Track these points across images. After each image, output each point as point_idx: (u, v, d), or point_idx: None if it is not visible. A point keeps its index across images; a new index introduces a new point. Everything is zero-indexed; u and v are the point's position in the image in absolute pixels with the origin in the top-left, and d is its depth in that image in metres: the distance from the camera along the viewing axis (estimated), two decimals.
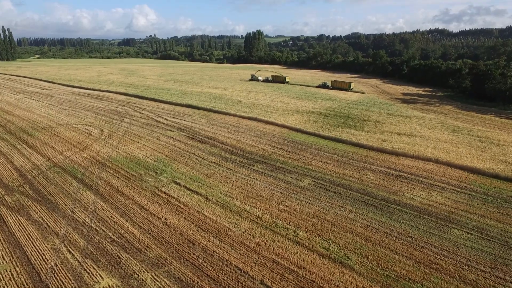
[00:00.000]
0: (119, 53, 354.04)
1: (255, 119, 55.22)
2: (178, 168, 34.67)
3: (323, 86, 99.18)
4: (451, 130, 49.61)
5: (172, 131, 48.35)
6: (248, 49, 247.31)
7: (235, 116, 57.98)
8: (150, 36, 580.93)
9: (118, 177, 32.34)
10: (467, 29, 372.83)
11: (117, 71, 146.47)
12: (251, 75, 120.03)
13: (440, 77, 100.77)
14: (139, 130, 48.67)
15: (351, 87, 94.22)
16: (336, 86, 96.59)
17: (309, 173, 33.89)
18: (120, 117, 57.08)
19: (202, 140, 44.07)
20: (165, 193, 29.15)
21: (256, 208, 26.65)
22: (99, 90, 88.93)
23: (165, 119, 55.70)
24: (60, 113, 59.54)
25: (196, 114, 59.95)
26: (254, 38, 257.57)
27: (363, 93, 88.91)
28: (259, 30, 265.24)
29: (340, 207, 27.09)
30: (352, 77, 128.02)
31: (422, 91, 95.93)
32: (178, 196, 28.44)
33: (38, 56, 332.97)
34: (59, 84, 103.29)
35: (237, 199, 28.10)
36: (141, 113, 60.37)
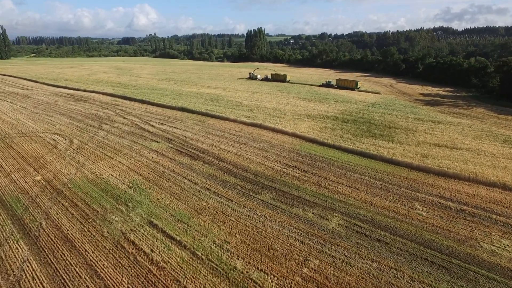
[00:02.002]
0: (117, 52, 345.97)
1: (260, 126, 46.04)
2: (158, 199, 25.54)
3: (327, 85, 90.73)
4: (502, 141, 40.33)
5: (157, 142, 39.18)
6: (249, 47, 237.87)
7: (235, 122, 48.81)
8: (150, 35, 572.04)
9: (72, 215, 23.22)
10: (471, 27, 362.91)
11: (110, 70, 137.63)
12: (249, 73, 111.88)
13: (462, 76, 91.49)
14: (117, 141, 39.51)
15: (358, 86, 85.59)
16: (342, 85, 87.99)
17: (337, 207, 24.73)
18: (99, 123, 47.95)
19: (194, 155, 34.90)
20: (133, 243, 20.01)
21: (267, 274, 17.51)
22: (84, 91, 79.87)
23: (152, 125, 46.54)
24: (29, 118, 50.45)
25: (190, 119, 50.77)
26: (255, 36, 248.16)
27: (378, 93, 79.64)
28: (261, 27, 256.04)
29: (394, 271, 17.93)
30: (361, 75, 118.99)
31: (442, 91, 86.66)
32: (151, 251, 19.29)
33: (34, 54, 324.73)
34: (43, 83, 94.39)
35: (238, 256, 18.95)
36: (124, 118, 51.22)
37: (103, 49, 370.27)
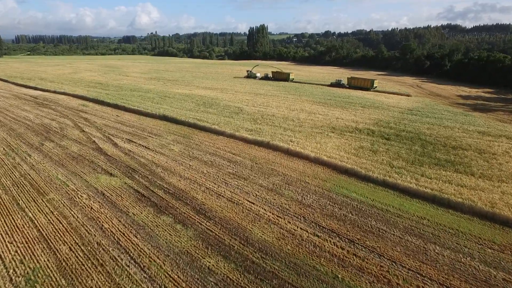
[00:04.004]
0: (114, 50, 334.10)
1: (267, 146, 32.31)
2: None
3: (338, 84, 77.67)
4: None
5: (111, 175, 25.54)
6: (252, 44, 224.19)
7: (233, 138, 35.12)
8: (151, 33, 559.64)
9: None
10: (480, 24, 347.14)
11: (98, 68, 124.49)
12: (247, 71, 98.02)
13: (504, 74, 77.30)
14: (50, 172, 25.93)
15: (375, 85, 72.16)
16: (355, 84, 74.54)
17: None
18: (43, 139, 34.46)
19: (161, 204, 21.26)
20: None
21: None
22: (54, 92, 66.55)
23: (114, 144, 32.94)
24: None
25: (171, 133, 37.16)
26: (258, 33, 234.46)
27: (409, 95, 65.76)
28: (263, 24, 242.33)
29: None
30: (378, 74, 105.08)
31: (482, 92, 72.59)
32: None
33: (29, 52, 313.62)
34: (13, 83, 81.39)
35: None
36: (83, 130, 37.69)
37: (100, 47, 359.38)
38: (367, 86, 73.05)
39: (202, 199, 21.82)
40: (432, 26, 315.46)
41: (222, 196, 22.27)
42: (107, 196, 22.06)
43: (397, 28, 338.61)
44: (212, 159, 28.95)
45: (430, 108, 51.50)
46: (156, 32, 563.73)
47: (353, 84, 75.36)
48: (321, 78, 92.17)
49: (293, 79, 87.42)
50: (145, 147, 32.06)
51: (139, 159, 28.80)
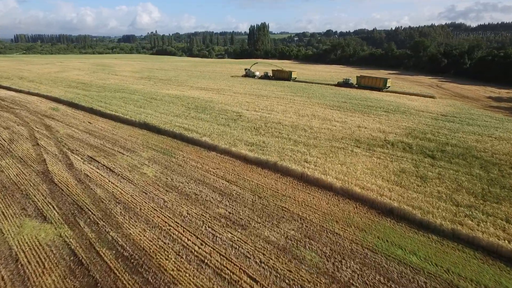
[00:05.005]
0: (112, 49, 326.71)
1: (274, 168, 23.91)
2: None
3: (345, 84, 70.08)
4: None
5: (44, 219, 17.24)
6: (253, 43, 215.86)
7: (228, 155, 26.77)
8: (152, 33, 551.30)
9: None
10: (485, 23, 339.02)
11: (89, 67, 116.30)
12: (245, 69, 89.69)
13: None
14: None
15: (387, 85, 64.43)
16: (365, 84, 67.01)
17: None
18: None
19: (105, 282, 12.90)
20: None
21: None
22: (27, 93, 58.31)
23: (69, 164, 24.62)
24: None
25: (149, 147, 28.86)
26: (259, 31, 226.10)
27: (433, 97, 57.41)
28: (264, 22, 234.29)
29: None
30: (389, 73, 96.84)
31: None
32: None
33: (25, 51, 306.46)
34: None
35: None
36: (37, 143, 29.41)
37: (98, 46, 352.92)
38: (379, 85, 65.14)
39: (173, 270, 13.49)
40: (436, 25, 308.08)
41: (207, 263, 13.94)
42: (22, 264, 13.76)
43: (401, 27, 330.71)
44: (197, 190, 20.62)
45: (466, 113, 43.10)
46: (156, 31, 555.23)
47: (363, 84, 67.55)
48: (328, 77, 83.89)
49: (296, 78, 79.50)
50: (110, 169, 23.73)
51: (95, 189, 20.48)
